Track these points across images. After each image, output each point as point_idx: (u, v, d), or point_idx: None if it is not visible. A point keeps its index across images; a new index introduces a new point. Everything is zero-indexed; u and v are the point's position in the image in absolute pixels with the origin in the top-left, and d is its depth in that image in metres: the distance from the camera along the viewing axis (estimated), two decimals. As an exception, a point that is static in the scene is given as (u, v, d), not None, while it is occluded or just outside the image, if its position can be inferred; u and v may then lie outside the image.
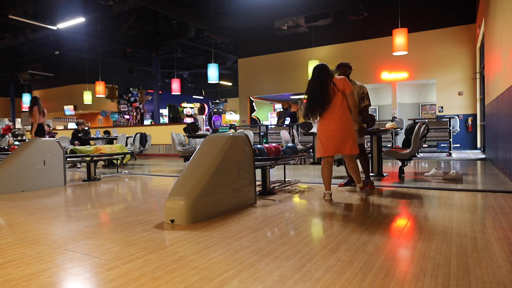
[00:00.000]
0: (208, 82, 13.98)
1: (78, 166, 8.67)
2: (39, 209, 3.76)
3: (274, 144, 4.52)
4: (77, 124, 10.37)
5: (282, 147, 4.65)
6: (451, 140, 9.16)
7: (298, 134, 9.86)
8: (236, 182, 3.49)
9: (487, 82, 8.01)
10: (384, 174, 5.71)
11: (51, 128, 12.98)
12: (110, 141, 9.81)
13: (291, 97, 16.07)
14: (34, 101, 7.52)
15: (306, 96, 4.01)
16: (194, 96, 23.89)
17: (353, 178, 4.27)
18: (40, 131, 7.49)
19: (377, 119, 12.39)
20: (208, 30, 12.81)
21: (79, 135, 9.82)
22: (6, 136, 11.48)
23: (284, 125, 11.79)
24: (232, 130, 11.43)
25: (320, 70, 3.94)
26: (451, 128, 9.08)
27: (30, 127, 7.94)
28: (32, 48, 16.69)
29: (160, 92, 15.77)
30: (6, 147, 9.23)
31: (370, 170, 5.21)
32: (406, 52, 9.32)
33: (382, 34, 11.32)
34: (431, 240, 2.37)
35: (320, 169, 4.06)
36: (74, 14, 10.73)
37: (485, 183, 4.83)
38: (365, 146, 4.77)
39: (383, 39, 11.25)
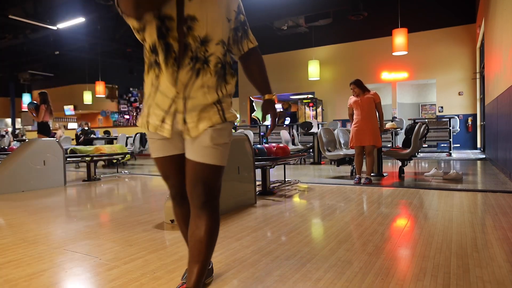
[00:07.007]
0: (208, 82, 13.96)
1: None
2: (39, 209, 3.76)
3: (282, 145, 4.50)
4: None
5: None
6: (451, 140, 9.16)
7: (298, 134, 9.86)
8: (236, 182, 3.49)
9: (487, 82, 8.01)
10: (384, 174, 5.71)
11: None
12: (110, 141, 9.81)
13: (291, 97, 16.03)
14: (42, 98, 6.96)
15: None
16: (194, 96, 23.87)
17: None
18: (45, 129, 6.99)
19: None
20: (208, 30, 12.80)
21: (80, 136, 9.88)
22: (6, 136, 11.47)
23: (284, 125, 11.78)
24: (232, 130, 11.41)
25: None
26: (451, 128, 9.08)
27: (30, 127, 7.60)
28: (32, 48, 16.67)
29: (160, 92, 15.75)
30: (6, 147, 9.23)
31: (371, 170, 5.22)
32: (406, 52, 9.31)
33: (382, 34, 11.32)
34: (431, 240, 2.37)
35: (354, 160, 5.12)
36: (74, 14, 10.73)
37: (485, 183, 4.83)
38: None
39: (383, 39, 11.24)
